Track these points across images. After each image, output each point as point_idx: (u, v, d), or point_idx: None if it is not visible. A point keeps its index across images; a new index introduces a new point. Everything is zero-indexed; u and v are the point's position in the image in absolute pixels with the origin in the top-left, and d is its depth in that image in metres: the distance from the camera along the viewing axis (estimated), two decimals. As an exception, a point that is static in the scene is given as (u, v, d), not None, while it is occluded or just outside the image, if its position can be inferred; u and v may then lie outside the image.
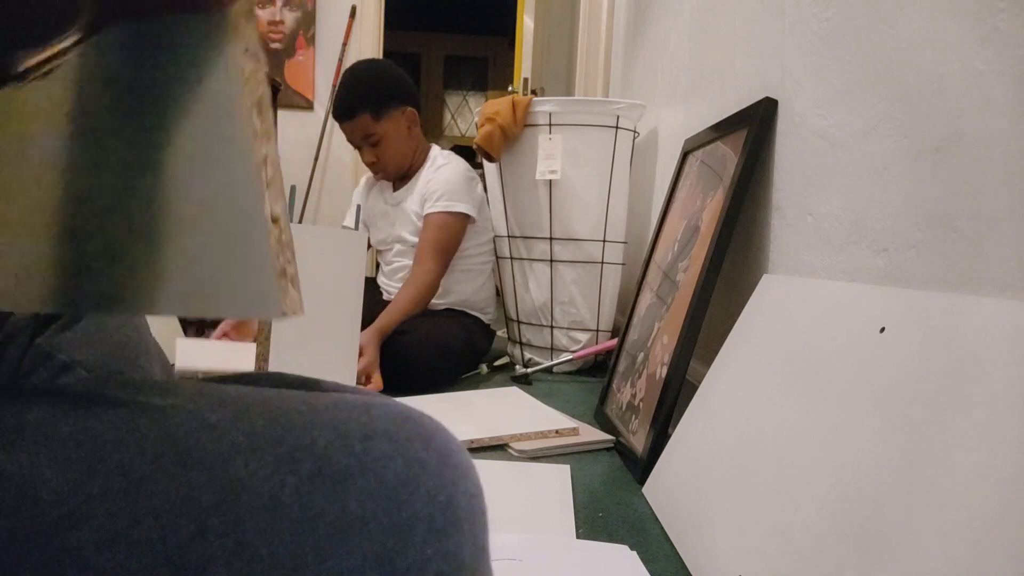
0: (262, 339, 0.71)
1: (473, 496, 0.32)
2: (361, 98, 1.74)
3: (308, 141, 3.59)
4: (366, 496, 0.29)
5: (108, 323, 0.59)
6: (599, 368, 1.96)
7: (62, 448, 0.26)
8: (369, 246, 2.02)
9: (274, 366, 0.72)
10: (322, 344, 0.74)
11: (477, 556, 0.31)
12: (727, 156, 1.19)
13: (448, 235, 1.80)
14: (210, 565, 0.25)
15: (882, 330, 0.66)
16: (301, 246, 0.74)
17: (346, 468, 0.29)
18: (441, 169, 1.85)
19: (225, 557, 0.25)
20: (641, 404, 1.20)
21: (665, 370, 1.11)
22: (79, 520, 0.24)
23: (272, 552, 0.26)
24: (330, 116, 3.61)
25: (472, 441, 1.19)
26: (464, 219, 1.83)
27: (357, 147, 1.82)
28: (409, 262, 1.88)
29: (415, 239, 1.85)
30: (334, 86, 3.60)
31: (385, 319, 1.62)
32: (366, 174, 2.05)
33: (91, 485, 0.25)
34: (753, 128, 1.11)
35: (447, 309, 1.89)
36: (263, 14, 3.64)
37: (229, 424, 0.29)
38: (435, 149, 1.94)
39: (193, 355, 1.23)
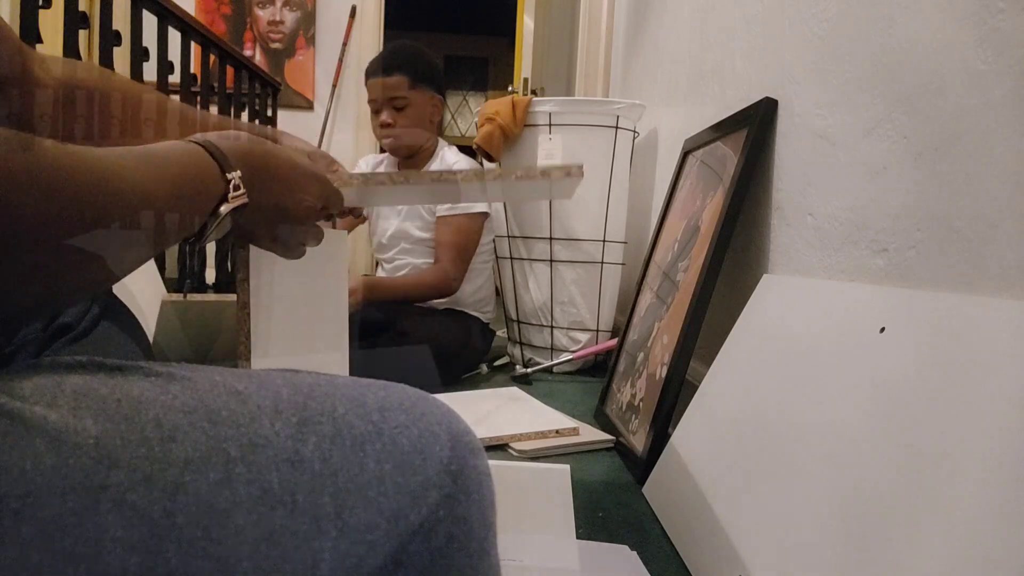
0: (242, 338, 0.71)
1: (482, 474, 0.34)
2: (404, 62, 1.76)
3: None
4: (383, 458, 0.31)
5: (113, 338, 0.60)
6: (599, 368, 1.96)
7: (101, 404, 0.27)
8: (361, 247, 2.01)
9: (256, 366, 0.72)
10: (306, 344, 0.74)
11: (486, 528, 0.33)
12: (727, 156, 1.19)
13: (466, 238, 1.79)
14: (236, 508, 0.27)
15: (882, 330, 0.66)
16: None
17: (364, 433, 0.31)
18: (454, 167, 1.83)
19: (250, 502, 0.27)
20: (641, 404, 1.20)
21: (665, 370, 1.11)
22: (116, 462, 0.26)
23: (294, 500, 0.28)
24: (330, 116, 3.61)
25: (523, 451, 1.19)
26: (482, 218, 1.83)
27: (376, 110, 1.79)
28: (414, 260, 1.87)
29: (423, 234, 1.84)
30: (334, 86, 3.60)
31: (383, 281, 1.65)
32: (364, 159, 2.02)
33: (128, 433, 0.27)
34: (753, 128, 1.11)
35: (447, 309, 1.89)
36: (263, 14, 3.64)
37: (255, 391, 0.31)
38: (443, 144, 1.92)
39: None
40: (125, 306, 0.67)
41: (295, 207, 0.55)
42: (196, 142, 0.43)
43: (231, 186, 0.44)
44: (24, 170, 0.26)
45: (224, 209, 0.44)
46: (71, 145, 0.30)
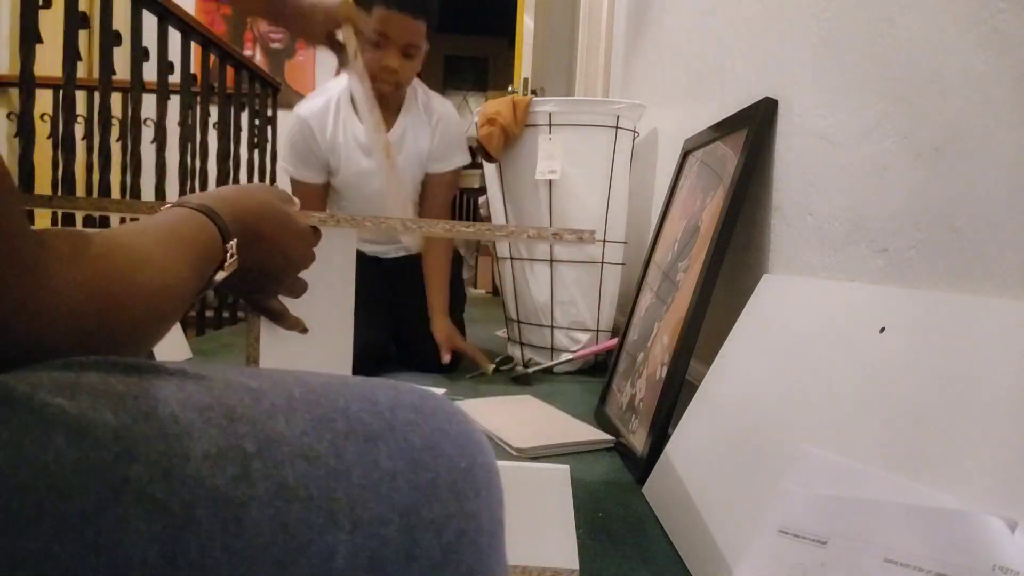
0: (252, 340, 0.72)
1: (491, 471, 0.35)
2: (430, 6, 1.59)
3: (308, 141, 3.58)
4: (395, 454, 0.32)
5: None
6: (599, 368, 1.96)
7: (119, 400, 0.28)
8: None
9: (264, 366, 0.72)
10: (314, 346, 0.74)
11: (495, 525, 0.34)
12: (727, 156, 1.19)
13: (452, 192, 1.82)
14: (252, 502, 0.28)
15: (882, 330, 0.66)
16: None
17: (376, 430, 0.32)
18: (447, 122, 1.77)
19: (267, 497, 0.28)
20: (641, 404, 1.20)
21: (665, 370, 1.11)
22: (135, 456, 0.27)
23: (309, 495, 0.29)
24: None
25: (522, 451, 1.18)
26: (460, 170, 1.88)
27: (378, 44, 1.57)
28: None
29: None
30: (334, 86, 3.59)
31: (440, 310, 1.74)
32: (308, 103, 1.78)
33: (146, 428, 0.27)
34: (753, 128, 1.11)
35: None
36: (263, 14, 3.64)
37: (269, 389, 0.32)
38: (420, 86, 1.79)
39: None
40: None
41: (280, 270, 0.60)
42: (202, 211, 0.47)
43: (228, 255, 0.48)
44: (90, 273, 0.32)
45: (219, 277, 0.47)
46: (106, 234, 0.35)
